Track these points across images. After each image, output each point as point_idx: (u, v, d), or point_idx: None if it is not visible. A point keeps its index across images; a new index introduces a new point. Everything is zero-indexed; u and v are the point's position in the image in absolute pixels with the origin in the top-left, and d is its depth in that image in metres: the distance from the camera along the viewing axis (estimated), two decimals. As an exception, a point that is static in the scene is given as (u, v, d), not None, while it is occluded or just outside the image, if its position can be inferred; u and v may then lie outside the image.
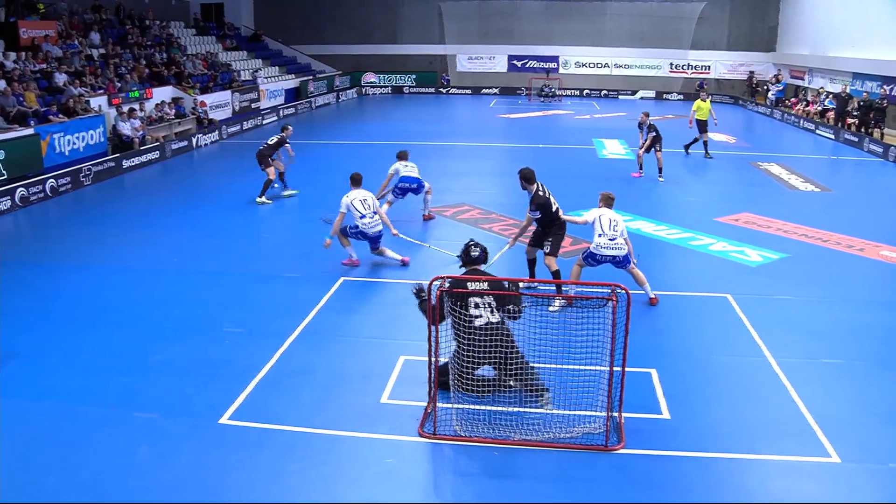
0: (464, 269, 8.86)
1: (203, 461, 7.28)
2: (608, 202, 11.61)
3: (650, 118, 20.92)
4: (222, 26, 41.92)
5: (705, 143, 24.73)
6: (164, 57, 31.52)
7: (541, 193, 11.35)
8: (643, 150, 20.69)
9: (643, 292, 11.39)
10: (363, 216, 12.74)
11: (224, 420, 8.00)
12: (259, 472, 7.11)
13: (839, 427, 7.97)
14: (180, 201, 18.55)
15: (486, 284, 8.32)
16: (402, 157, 16.45)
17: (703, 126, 24.43)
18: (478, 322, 8.09)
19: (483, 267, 8.85)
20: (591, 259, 11.41)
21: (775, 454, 7.52)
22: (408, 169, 16.24)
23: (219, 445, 7.55)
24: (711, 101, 25.86)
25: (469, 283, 8.24)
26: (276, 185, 18.35)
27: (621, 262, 11.37)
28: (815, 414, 8.22)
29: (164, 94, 28.26)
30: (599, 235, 11.25)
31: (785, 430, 7.98)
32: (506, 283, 8.70)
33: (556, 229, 11.56)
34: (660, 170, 20.50)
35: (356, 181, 13.12)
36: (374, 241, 13.01)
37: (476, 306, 8.14)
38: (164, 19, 35.75)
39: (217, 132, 28.41)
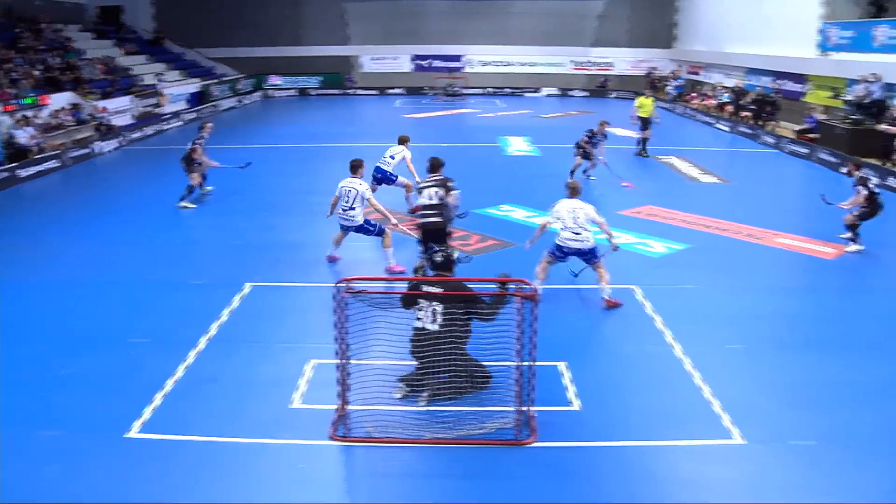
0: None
1: (112, 477, 7.08)
2: (571, 192, 11.55)
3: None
4: (121, 30, 40.78)
5: (644, 141, 24.55)
6: (60, 62, 30.53)
7: (420, 180, 11.32)
8: (603, 158, 19.96)
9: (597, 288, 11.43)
10: (340, 203, 12.67)
11: (132, 433, 7.79)
12: (170, 484, 6.96)
13: (743, 410, 8.23)
14: (81, 211, 17.94)
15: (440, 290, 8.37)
16: (399, 141, 16.67)
17: (646, 123, 24.32)
18: (416, 323, 8.34)
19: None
20: (557, 251, 11.42)
21: (683, 439, 7.74)
22: (383, 159, 16.27)
23: (128, 460, 7.35)
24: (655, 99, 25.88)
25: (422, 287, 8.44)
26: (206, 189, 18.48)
27: (587, 255, 11.34)
28: (720, 398, 8.47)
29: (61, 100, 27.34)
30: (563, 229, 11.26)
31: (692, 415, 8.20)
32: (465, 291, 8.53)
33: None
34: (588, 171, 20.14)
35: (351, 167, 12.82)
36: (344, 230, 12.86)
37: (420, 309, 8.35)
38: (59, 22, 34.58)
39: (118, 139, 27.62)
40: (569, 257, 11.49)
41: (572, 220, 11.21)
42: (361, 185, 12.59)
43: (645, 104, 24.40)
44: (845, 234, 14.40)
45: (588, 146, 19.98)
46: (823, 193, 15.30)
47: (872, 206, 13.92)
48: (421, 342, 8.22)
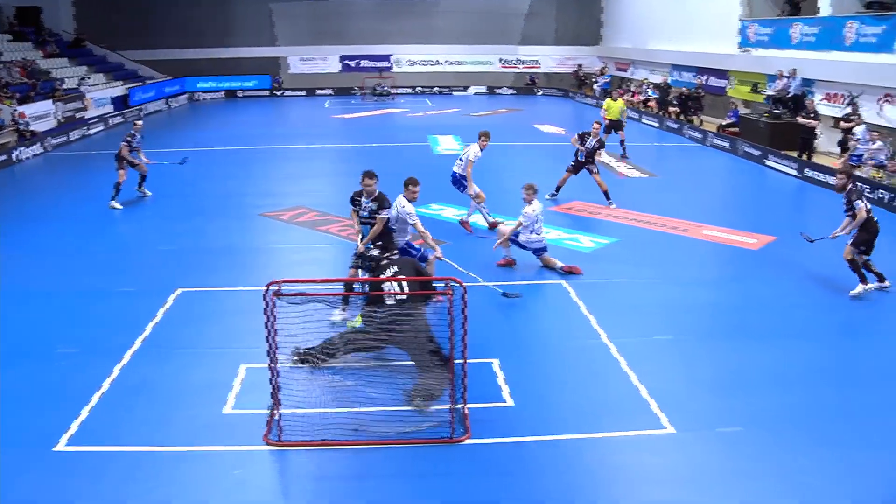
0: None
1: (41, 492, 6.93)
2: (533, 192, 12.44)
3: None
4: (41, 32, 39.65)
5: (623, 143, 24.02)
6: (-26, 66, 29.67)
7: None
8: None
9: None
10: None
11: (61, 447, 7.62)
12: (100, 498, 6.83)
13: (672, 399, 8.42)
14: (2, 219, 17.37)
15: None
16: (479, 136, 15.42)
17: (615, 125, 23.83)
18: (388, 301, 8.51)
19: None
20: (516, 244, 12.60)
21: (615, 430, 7.88)
22: (458, 160, 15.42)
23: (56, 474, 7.19)
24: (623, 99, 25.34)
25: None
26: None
27: (539, 252, 12.56)
28: (649, 389, 8.65)
29: (-23, 105, 26.59)
30: (531, 232, 12.28)
31: (623, 406, 8.36)
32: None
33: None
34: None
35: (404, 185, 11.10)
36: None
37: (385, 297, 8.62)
38: (-27, 24, 33.56)
39: (40, 144, 26.89)
40: (524, 249, 12.60)
41: (539, 223, 12.40)
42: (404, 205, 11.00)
43: (612, 106, 23.94)
44: (871, 284, 11.76)
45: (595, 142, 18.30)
46: (803, 232, 12.98)
47: (871, 225, 11.56)
48: (393, 320, 8.25)
